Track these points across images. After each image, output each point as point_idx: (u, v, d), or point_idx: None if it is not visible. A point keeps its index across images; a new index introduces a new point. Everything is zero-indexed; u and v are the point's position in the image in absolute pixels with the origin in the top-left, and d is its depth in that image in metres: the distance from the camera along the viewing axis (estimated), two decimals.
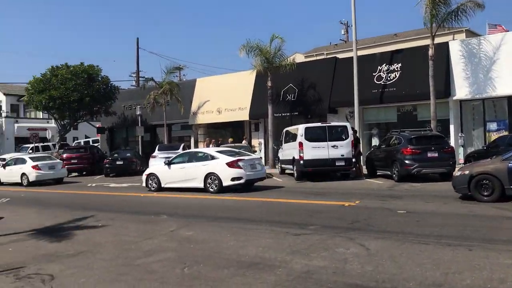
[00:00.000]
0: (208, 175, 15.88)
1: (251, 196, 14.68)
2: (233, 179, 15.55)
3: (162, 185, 17.17)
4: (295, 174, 18.85)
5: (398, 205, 11.33)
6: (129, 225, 10.59)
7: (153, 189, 17.31)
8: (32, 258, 7.79)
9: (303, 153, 18.01)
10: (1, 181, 24.66)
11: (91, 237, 9.35)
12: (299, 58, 36.36)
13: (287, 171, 21.10)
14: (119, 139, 36.90)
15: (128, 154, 27.17)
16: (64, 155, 28.53)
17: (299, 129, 18.61)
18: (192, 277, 6.18)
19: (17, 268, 7.14)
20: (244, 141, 25.67)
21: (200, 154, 17.29)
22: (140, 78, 42.77)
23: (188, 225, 10.03)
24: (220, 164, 15.77)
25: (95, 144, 36.45)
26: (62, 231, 10.27)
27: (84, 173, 28.49)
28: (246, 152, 18.14)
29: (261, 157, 17.48)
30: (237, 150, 18.08)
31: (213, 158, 16.29)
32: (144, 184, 17.82)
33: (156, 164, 19.99)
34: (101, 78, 32.63)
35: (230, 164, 15.62)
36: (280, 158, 21.95)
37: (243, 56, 24.68)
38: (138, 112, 30.61)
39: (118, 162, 26.28)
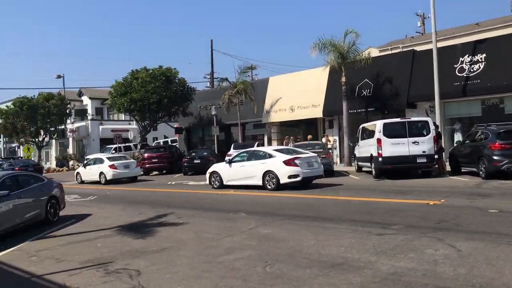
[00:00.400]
0: (266, 173, 16.28)
1: (327, 194, 14.40)
2: (289, 177, 15.81)
3: (224, 183, 17.79)
4: (373, 172, 18.28)
5: (488, 204, 10.60)
6: (209, 222, 10.77)
7: (215, 186, 18.01)
8: (119, 253, 8.12)
9: (381, 150, 17.42)
10: (82, 179, 26.34)
11: (174, 234, 9.60)
12: (374, 52, 35.25)
13: (364, 169, 20.58)
14: (196, 139, 37.95)
15: (205, 153, 27.81)
16: (145, 155, 29.89)
17: (377, 125, 18.01)
18: (274, 276, 6.12)
19: (106, 263, 7.48)
20: (323, 138, 25.50)
21: (258, 153, 17.65)
22: (214, 79, 43.66)
23: (265, 223, 10.01)
24: (277, 162, 16.12)
25: (174, 144, 37.69)
26: (145, 227, 10.66)
27: (164, 171, 29.49)
28: (304, 151, 18.02)
29: (317, 155, 17.30)
30: (295, 149, 18.27)
31: (270, 156, 16.62)
32: (207, 182, 18.43)
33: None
34: (178, 80, 33.62)
35: (287, 162, 15.91)
36: (357, 155, 21.43)
37: (315, 54, 24.30)
38: (213, 112, 31.26)
39: (196, 161, 27.01)
